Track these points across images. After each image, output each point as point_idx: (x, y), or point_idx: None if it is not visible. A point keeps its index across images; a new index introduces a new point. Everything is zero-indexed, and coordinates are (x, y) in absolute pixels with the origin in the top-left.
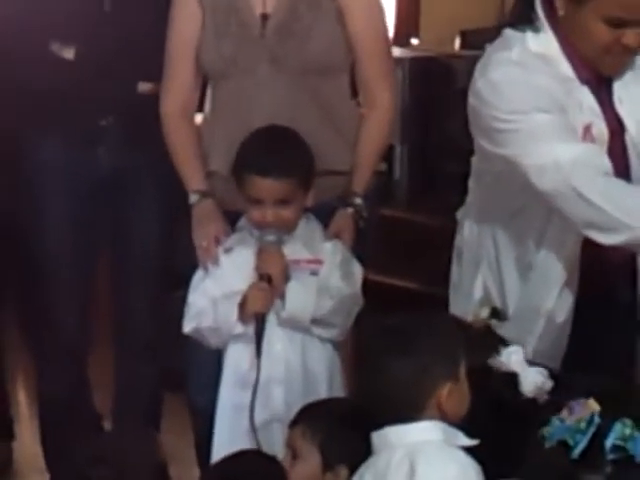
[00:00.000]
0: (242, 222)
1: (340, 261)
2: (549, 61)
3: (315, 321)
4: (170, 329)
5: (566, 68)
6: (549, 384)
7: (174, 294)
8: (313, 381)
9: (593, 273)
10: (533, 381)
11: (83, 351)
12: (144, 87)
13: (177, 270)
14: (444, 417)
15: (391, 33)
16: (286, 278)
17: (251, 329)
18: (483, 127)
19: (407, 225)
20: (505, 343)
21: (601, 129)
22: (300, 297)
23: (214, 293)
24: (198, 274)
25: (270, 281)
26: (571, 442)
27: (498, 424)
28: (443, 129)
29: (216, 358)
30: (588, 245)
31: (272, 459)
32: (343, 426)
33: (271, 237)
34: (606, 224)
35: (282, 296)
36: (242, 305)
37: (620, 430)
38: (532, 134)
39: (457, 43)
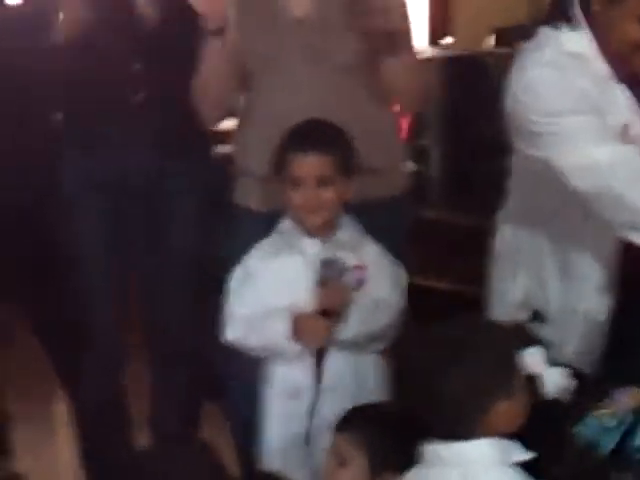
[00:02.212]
0: (283, 226)
1: (388, 269)
2: (584, 60)
3: (370, 338)
4: (208, 335)
5: (602, 67)
6: (572, 384)
7: (211, 300)
8: (364, 390)
9: (634, 273)
10: (554, 382)
11: (119, 362)
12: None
13: (214, 275)
14: (497, 432)
15: (425, 32)
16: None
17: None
18: (520, 129)
19: (442, 226)
20: (540, 343)
21: (639, 128)
22: (359, 320)
23: (255, 306)
24: (236, 275)
25: (329, 314)
26: (598, 441)
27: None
28: (478, 128)
29: (257, 366)
30: (628, 245)
31: None
32: (391, 432)
33: (332, 271)
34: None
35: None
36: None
37: None
38: (568, 136)
39: (491, 41)
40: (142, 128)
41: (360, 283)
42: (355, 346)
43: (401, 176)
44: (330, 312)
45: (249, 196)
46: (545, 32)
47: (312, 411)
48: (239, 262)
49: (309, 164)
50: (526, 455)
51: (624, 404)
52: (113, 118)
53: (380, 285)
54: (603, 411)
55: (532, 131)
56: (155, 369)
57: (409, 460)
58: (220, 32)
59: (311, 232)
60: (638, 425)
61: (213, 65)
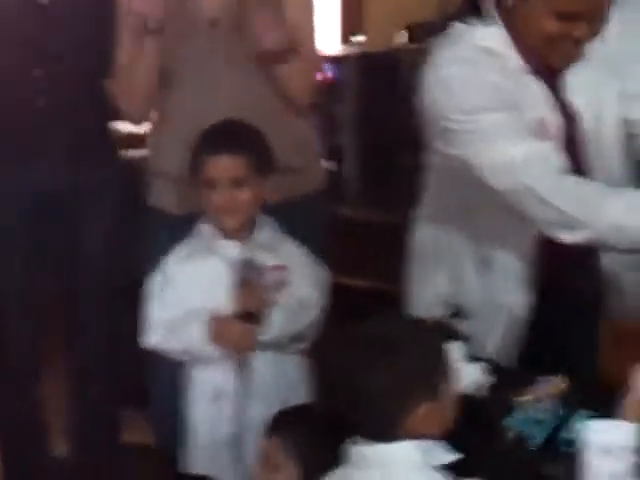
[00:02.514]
0: (201, 228)
1: (308, 268)
2: (498, 55)
3: (292, 338)
4: (126, 342)
5: (516, 61)
6: (489, 380)
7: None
8: (289, 391)
9: (553, 268)
10: (469, 377)
11: (34, 374)
12: None
13: (132, 282)
14: (420, 435)
15: (337, 30)
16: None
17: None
18: (434, 126)
19: (358, 223)
20: (461, 338)
21: (554, 121)
22: (282, 321)
23: (175, 310)
24: (154, 279)
25: (250, 316)
26: (529, 433)
27: None
28: (392, 125)
29: (178, 370)
30: (547, 240)
31: None
32: (321, 434)
33: (251, 273)
34: (564, 223)
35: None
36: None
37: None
38: (484, 134)
39: (403, 37)
40: (47, 135)
41: (280, 284)
42: (278, 347)
43: (317, 174)
44: (250, 314)
45: (164, 199)
46: (457, 28)
47: (238, 413)
48: (157, 266)
49: (222, 165)
50: (450, 457)
51: (545, 391)
52: (16, 126)
53: (301, 285)
54: (525, 398)
55: (447, 128)
56: (73, 379)
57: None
58: (159, 31)
59: (228, 234)
60: (568, 418)
61: (148, 64)
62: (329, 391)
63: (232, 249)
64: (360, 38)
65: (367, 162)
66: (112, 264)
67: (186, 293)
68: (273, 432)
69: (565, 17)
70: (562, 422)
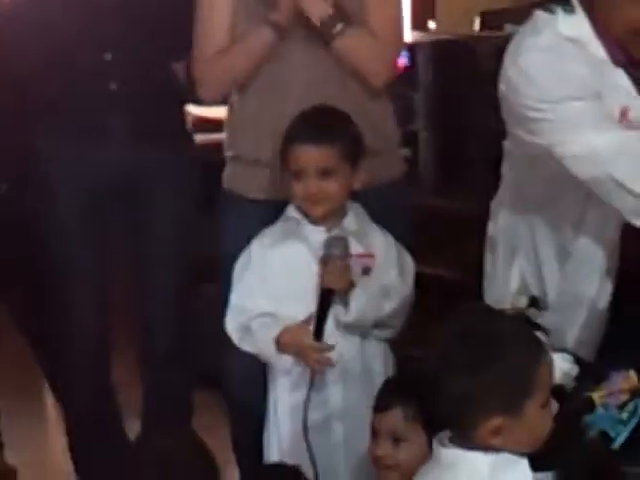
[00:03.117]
0: (289, 213)
1: (395, 257)
2: (581, 45)
3: (375, 324)
4: (198, 324)
5: (599, 51)
6: (575, 370)
7: (201, 288)
8: (371, 379)
9: (633, 259)
10: (559, 367)
11: (105, 353)
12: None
13: (205, 264)
14: (494, 449)
15: (408, 17)
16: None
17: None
18: (516, 115)
19: (433, 212)
20: (542, 330)
21: (638, 111)
22: (364, 303)
23: (257, 294)
24: (239, 264)
25: (332, 293)
26: (612, 433)
27: None
28: (466, 113)
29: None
30: (627, 230)
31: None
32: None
33: (337, 249)
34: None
35: (343, 302)
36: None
37: None
38: (567, 123)
39: (476, 24)
40: (118, 117)
41: (367, 271)
42: (359, 330)
43: (396, 160)
44: (332, 291)
45: (240, 183)
46: (539, 16)
47: (321, 399)
48: (235, 250)
49: (309, 156)
50: (522, 477)
51: (618, 385)
52: (89, 109)
53: (387, 273)
54: (598, 393)
55: (528, 117)
56: (146, 365)
57: None
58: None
59: (315, 221)
60: None
61: (257, 54)
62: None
63: (318, 235)
64: (432, 25)
65: (442, 150)
66: (181, 245)
67: (270, 278)
68: (390, 403)
69: None
70: None
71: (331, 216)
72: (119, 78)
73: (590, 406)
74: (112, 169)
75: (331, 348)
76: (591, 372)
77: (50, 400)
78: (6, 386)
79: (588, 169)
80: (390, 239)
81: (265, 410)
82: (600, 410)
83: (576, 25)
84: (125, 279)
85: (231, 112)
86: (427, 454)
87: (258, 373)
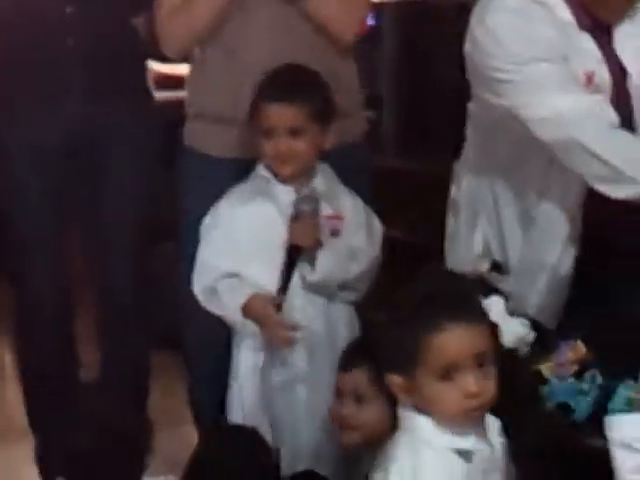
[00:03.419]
0: (257, 172)
1: (363, 219)
2: (548, 7)
3: (341, 286)
4: (159, 283)
5: (566, 14)
6: (531, 335)
7: (159, 247)
8: (335, 342)
9: (595, 225)
10: (514, 332)
11: (65, 315)
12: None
13: (163, 223)
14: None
15: None
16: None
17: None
18: (481, 77)
19: (397, 174)
20: (501, 295)
21: (603, 76)
22: (331, 263)
23: (225, 253)
24: (207, 223)
25: (300, 250)
26: (573, 404)
27: None
28: (432, 74)
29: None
30: (590, 196)
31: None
32: None
33: (307, 206)
34: (612, 177)
35: (310, 261)
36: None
37: (624, 394)
38: (532, 85)
39: None
40: (75, 74)
41: (335, 233)
42: (325, 291)
43: (360, 121)
44: (300, 248)
45: (201, 140)
46: None
47: (285, 361)
48: (195, 208)
49: (280, 114)
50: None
51: (566, 357)
52: (45, 65)
53: (355, 235)
54: (546, 364)
55: (494, 78)
56: (104, 324)
57: None
58: None
59: (284, 180)
60: (614, 390)
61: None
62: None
63: (287, 195)
64: None
65: (406, 112)
66: (139, 203)
67: (238, 237)
68: (354, 363)
69: None
70: (605, 392)
71: (300, 176)
72: (77, 33)
73: (539, 378)
74: (68, 126)
75: (297, 327)
76: (547, 340)
77: (8, 357)
78: None
79: (553, 132)
80: (359, 201)
81: (223, 369)
82: (555, 381)
83: None
84: (82, 238)
85: (194, 68)
86: (388, 415)
87: (217, 332)
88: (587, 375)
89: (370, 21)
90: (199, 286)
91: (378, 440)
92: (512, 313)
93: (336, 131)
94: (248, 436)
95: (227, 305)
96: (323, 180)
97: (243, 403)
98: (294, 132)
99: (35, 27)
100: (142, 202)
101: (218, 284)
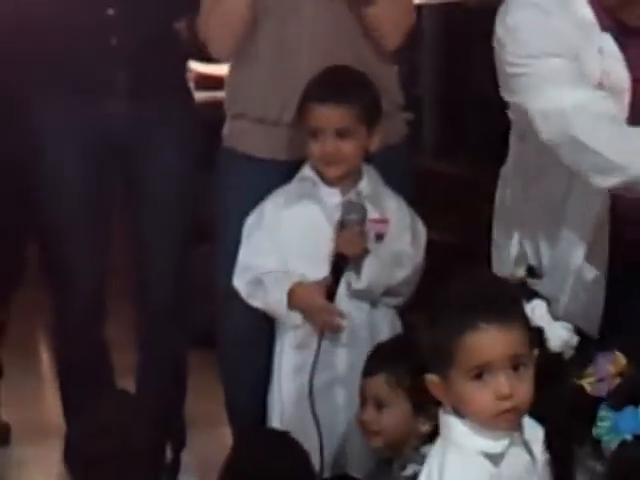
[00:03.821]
0: (304, 173)
1: (408, 223)
2: (570, 5)
3: (386, 291)
4: (196, 284)
5: (588, 13)
6: (575, 339)
7: (199, 248)
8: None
9: (627, 231)
10: (559, 335)
11: (101, 312)
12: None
13: (202, 224)
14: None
15: None
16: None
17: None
18: (502, 75)
19: (437, 176)
20: (542, 298)
21: (621, 77)
22: (376, 270)
23: (266, 254)
24: (250, 222)
25: (346, 258)
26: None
27: None
28: (472, 76)
29: (252, 315)
30: (619, 202)
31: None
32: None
33: (355, 215)
34: (601, 166)
35: (356, 269)
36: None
37: None
38: (542, 78)
39: None
40: (118, 75)
41: (380, 236)
42: (370, 297)
43: (401, 123)
44: (346, 257)
45: (243, 141)
46: None
47: (327, 362)
48: (234, 208)
49: (327, 115)
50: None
51: (607, 370)
52: (87, 65)
53: (400, 239)
54: (587, 380)
55: (508, 74)
56: (142, 324)
57: None
58: None
59: (331, 182)
60: None
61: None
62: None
63: (333, 197)
64: None
65: (446, 114)
66: (182, 203)
67: (282, 238)
68: (375, 369)
69: None
70: None
71: (346, 179)
72: (120, 34)
73: (581, 394)
74: (111, 126)
75: (343, 315)
76: (585, 349)
77: (45, 356)
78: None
79: (552, 126)
80: (403, 204)
81: (260, 370)
82: (611, 414)
83: None
84: (124, 237)
85: (236, 69)
86: (410, 420)
87: (255, 332)
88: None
89: None
90: (242, 281)
91: (401, 444)
92: (556, 317)
93: (381, 134)
94: (283, 441)
95: (272, 295)
96: (369, 183)
97: (283, 404)
98: (341, 133)
99: (77, 28)
100: (184, 202)
101: (264, 277)
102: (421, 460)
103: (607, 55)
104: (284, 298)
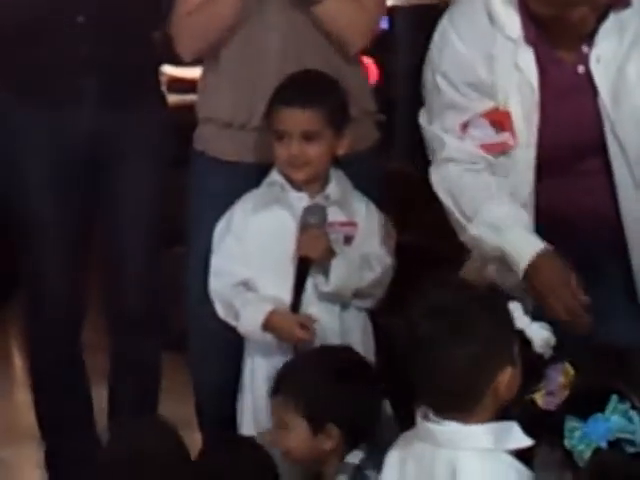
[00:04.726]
0: (271, 178)
1: (377, 225)
2: (497, 21)
3: (356, 294)
4: (169, 287)
5: (515, 28)
6: (553, 339)
7: (172, 250)
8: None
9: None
10: (540, 336)
11: (76, 319)
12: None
13: (175, 226)
14: (502, 401)
15: None
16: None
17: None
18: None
19: (410, 178)
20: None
21: (533, 89)
22: (344, 273)
23: (236, 259)
24: (220, 228)
25: (309, 261)
26: (630, 436)
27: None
28: None
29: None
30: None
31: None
32: (323, 381)
33: (314, 218)
34: (455, 222)
35: (324, 271)
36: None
37: None
38: (433, 108)
39: None
40: (88, 84)
41: (349, 239)
42: (339, 300)
43: (372, 127)
44: (310, 260)
45: (212, 144)
46: None
47: None
48: (206, 211)
49: (293, 118)
50: (523, 441)
51: (557, 382)
52: (59, 73)
53: (369, 242)
54: (539, 393)
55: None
56: (115, 328)
57: (352, 405)
58: None
59: (298, 186)
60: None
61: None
62: (401, 360)
63: (301, 201)
64: None
65: (416, 117)
66: (156, 208)
67: (252, 243)
68: (278, 389)
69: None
70: None
71: (314, 182)
72: (91, 42)
73: (536, 409)
74: (83, 135)
75: (314, 321)
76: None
77: (18, 360)
78: None
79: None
80: (372, 207)
81: (229, 377)
82: (578, 423)
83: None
84: (97, 243)
85: (205, 73)
86: (309, 444)
87: (225, 338)
88: (612, 402)
89: (383, 25)
90: (216, 295)
91: (314, 462)
92: (533, 318)
93: (349, 137)
94: (250, 447)
95: (246, 321)
96: (337, 186)
97: (256, 412)
98: (307, 136)
99: (45, 37)
100: (156, 207)
101: (235, 300)
102: (350, 470)
103: (524, 69)
104: (258, 325)
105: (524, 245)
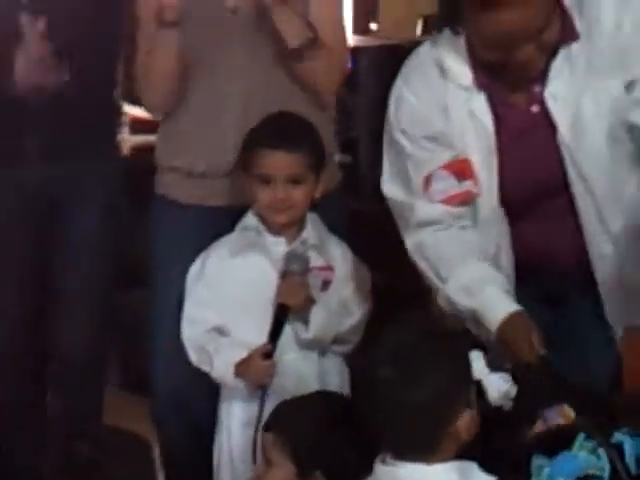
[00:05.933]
0: (247, 222)
1: (353, 270)
2: (449, 75)
3: (335, 340)
4: (130, 328)
5: (466, 75)
6: (514, 390)
7: (132, 292)
8: None
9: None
10: (497, 388)
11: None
12: None
13: (135, 267)
14: (461, 443)
15: (349, 20)
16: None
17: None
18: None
19: (376, 218)
20: (481, 348)
21: (489, 134)
22: (324, 320)
23: (209, 306)
24: (193, 273)
25: (288, 309)
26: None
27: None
28: None
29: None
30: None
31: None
32: (316, 428)
33: (296, 266)
34: (432, 284)
35: (304, 319)
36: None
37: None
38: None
39: (419, 29)
40: (34, 137)
41: (326, 284)
42: (319, 347)
43: (335, 169)
44: (288, 307)
45: (174, 189)
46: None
47: (262, 413)
48: (168, 255)
49: (280, 162)
50: (485, 477)
51: (556, 422)
52: (11, 122)
53: (346, 286)
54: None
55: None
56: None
57: (341, 454)
58: (175, 24)
59: (276, 230)
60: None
61: (167, 58)
62: (364, 402)
63: (279, 246)
64: (373, 27)
65: (381, 155)
66: (107, 260)
67: (226, 291)
68: (270, 426)
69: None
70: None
71: (292, 226)
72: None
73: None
74: (28, 184)
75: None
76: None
77: None
78: None
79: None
80: (347, 250)
81: (199, 423)
82: (541, 461)
83: (450, 51)
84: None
85: (165, 122)
86: None
87: (193, 385)
88: (579, 439)
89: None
90: (189, 342)
91: None
92: (493, 368)
93: (324, 180)
94: None
95: (219, 367)
96: (313, 230)
97: (233, 459)
98: (293, 180)
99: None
100: (105, 254)
101: (208, 345)
102: None
103: (478, 115)
104: (231, 373)
105: (496, 308)
